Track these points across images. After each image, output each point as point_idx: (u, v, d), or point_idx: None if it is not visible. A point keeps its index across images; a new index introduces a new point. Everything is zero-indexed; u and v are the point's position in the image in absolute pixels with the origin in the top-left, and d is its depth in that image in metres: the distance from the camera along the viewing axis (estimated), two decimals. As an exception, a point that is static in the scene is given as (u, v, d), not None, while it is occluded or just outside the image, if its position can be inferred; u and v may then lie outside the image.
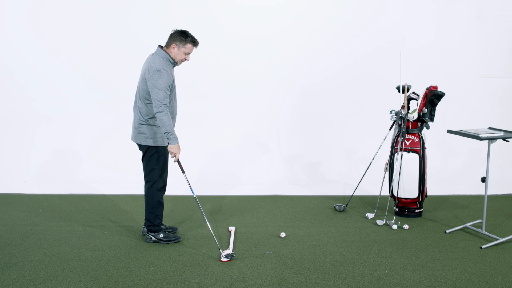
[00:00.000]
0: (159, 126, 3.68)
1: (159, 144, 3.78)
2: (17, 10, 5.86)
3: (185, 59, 3.74)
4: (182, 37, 3.66)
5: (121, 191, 5.40)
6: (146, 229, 3.95)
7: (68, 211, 4.75)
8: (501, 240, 3.90)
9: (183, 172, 3.74)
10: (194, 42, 3.70)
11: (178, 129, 3.79)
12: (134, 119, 3.82)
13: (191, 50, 3.72)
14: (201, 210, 3.83)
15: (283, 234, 4.06)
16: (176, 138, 3.61)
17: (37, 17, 5.87)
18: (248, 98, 6.07)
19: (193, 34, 3.73)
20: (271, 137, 6.14)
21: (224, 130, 6.05)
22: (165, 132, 3.58)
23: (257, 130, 6.13)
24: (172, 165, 3.95)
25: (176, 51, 3.67)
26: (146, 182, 3.90)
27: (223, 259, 3.55)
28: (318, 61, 6.05)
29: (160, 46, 3.74)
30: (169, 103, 3.68)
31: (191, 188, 3.77)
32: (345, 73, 6.08)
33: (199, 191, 5.20)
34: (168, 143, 3.62)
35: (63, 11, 5.86)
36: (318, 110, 6.15)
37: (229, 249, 3.72)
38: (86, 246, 3.83)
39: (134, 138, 3.83)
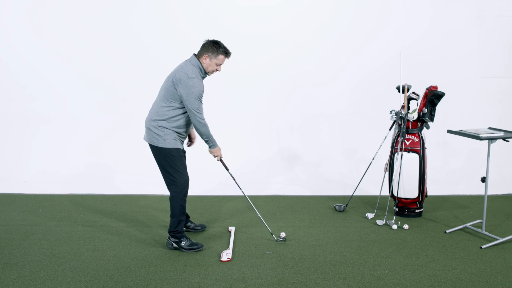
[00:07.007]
0: (168, 128, 3.59)
1: (167, 146, 3.61)
2: (17, 9, 5.87)
3: (217, 70, 3.65)
4: (215, 47, 3.57)
5: (121, 191, 5.40)
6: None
7: (68, 211, 4.75)
8: (501, 240, 3.90)
9: (227, 169, 3.91)
10: (226, 53, 3.60)
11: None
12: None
13: (223, 61, 3.62)
14: (255, 210, 4.05)
15: (283, 234, 4.06)
16: (215, 143, 3.71)
17: (37, 17, 5.88)
18: (248, 98, 6.08)
19: (226, 45, 3.64)
20: (271, 137, 6.15)
21: (224, 130, 6.03)
22: (206, 140, 3.66)
23: (257, 130, 6.13)
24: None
25: (208, 61, 3.58)
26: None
27: (223, 259, 3.56)
28: (318, 61, 6.06)
29: (195, 55, 3.63)
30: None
31: (239, 186, 3.94)
32: (345, 73, 6.09)
33: (199, 191, 5.23)
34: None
35: (63, 11, 5.87)
36: (318, 110, 6.15)
37: (229, 249, 3.72)
38: (86, 246, 3.83)
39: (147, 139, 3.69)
